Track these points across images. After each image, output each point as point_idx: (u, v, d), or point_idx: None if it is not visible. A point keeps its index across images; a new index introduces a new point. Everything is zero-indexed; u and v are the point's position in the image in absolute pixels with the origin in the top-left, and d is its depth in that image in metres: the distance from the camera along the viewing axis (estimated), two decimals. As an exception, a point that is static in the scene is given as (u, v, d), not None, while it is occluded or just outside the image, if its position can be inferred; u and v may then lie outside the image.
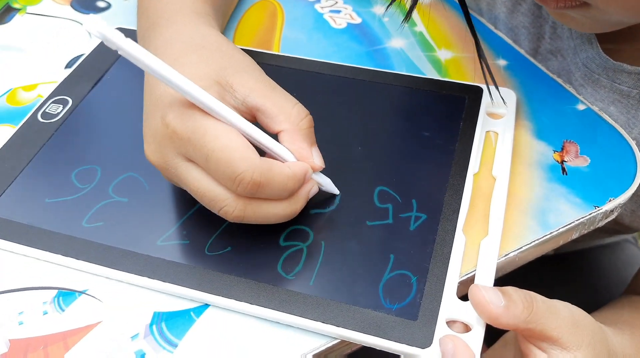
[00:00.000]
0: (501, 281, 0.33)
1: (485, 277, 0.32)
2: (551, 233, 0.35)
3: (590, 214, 0.35)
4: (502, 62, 0.44)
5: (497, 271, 0.33)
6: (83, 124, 0.41)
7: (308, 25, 0.48)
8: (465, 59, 0.45)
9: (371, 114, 0.40)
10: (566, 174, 0.37)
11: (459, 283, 0.32)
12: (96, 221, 0.35)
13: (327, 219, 0.35)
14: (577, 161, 0.38)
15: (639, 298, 0.49)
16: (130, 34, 0.31)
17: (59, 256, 0.34)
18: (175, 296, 0.33)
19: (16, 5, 0.51)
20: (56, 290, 0.33)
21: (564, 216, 0.35)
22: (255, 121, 0.34)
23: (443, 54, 0.45)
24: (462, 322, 0.31)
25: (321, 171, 0.35)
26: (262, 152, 0.32)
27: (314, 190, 0.34)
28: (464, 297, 0.31)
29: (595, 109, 0.41)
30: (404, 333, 0.30)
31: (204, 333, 0.32)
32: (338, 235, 0.34)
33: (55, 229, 0.35)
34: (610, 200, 0.36)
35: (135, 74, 0.36)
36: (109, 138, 0.40)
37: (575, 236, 0.36)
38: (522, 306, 0.29)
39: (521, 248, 0.34)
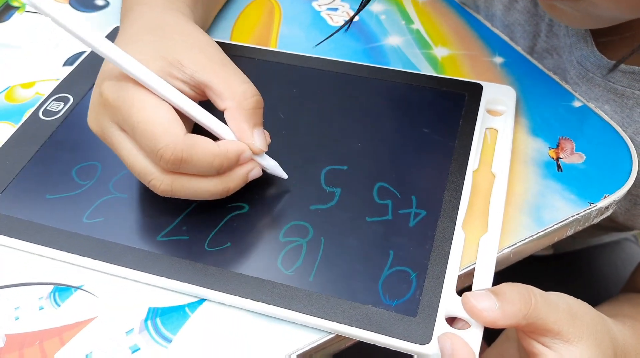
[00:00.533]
0: (499, 280, 0.33)
1: (485, 274, 0.32)
2: (546, 229, 0.35)
3: (585, 210, 0.35)
4: (499, 60, 0.44)
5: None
6: (84, 122, 0.40)
7: (305, 23, 0.48)
8: (462, 57, 0.45)
9: (371, 110, 0.40)
10: (561, 171, 0.37)
11: (458, 278, 0.32)
12: (96, 217, 0.35)
13: (326, 215, 0.35)
14: (572, 157, 0.38)
15: (637, 295, 0.49)
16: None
17: (60, 252, 0.34)
18: (171, 292, 0.33)
19: (15, 4, 0.51)
20: (52, 286, 0.34)
21: (559, 212, 0.35)
22: (206, 99, 0.34)
23: (439, 52, 0.45)
24: (462, 318, 0.31)
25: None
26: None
27: (255, 172, 0.34)
28: (463, 293, 0.31)
29: (591, 106, 0.41)
30: (403, 330, 0.30)
31: (198, 328, 0.32)
32: (338, 231, 0.34)
33: (56, 225, 0.35)
34: (605, 197, 0.36)
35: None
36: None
37: (570, 232, 0.36)
38: (519, 304, 0.29)
39: (515, 244, 0.34)
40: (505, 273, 0.35)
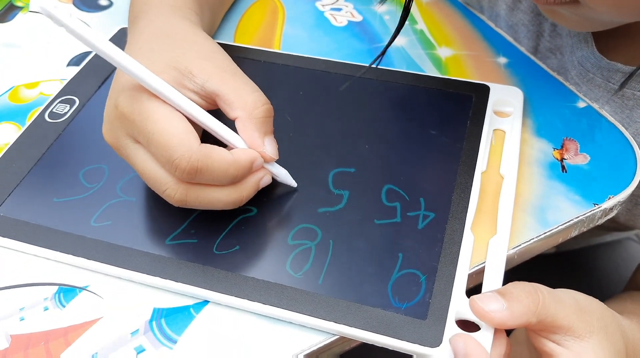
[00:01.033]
0: (502, 279, 0.33)
1: (494, 276, 0.32)
2: (550, 230, 0.35)
3: (589, 212, 0.35)
4: (503, 60, 0.44)
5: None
6: (90, 124, 0.41)
7: (309, 23, 0.48)
8: (466, 57, 0.45)
9: (378, 112, 0.40)
10: (566, 171, 0.37)
11: (468, 280, 0.32)
12: (104, 220, 0.35)
13: (335, 218, 0.35)
14: (576, 158, 0.38)
15: (639, 293, 0.49)
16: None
17: (68, 255, 0.34)
18: (176, 293, 0.33)
19: (19, 4, 0.51)
20: (57, 286, 0.34)
21: (563, 213, 0.35)
22: (217, 108, 0.34)
23: (443, 52, 0.45)
24: (472, 321, 0.31)
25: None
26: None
27: (266, 180, 0.34)
28: (472, 295, 0.31)
29: (596, 106, 0.41)
30: (413, 333, 0.30)
31: (203, 329, 0.32)
32: (346, 234, 0.34)
33: (64, 228, 0.35)
34: (609, 198, 0.36)
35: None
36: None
37: (574, 233, 0.36)
38: (526, 302, 0.29)
39: (520, 245, 0.34)
40: (508, 273, 0.35)
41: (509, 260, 0.34)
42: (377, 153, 0.38)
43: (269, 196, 0.36)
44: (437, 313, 0.31)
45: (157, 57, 0.34)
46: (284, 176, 0.36)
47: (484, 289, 0.32)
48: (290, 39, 0.47)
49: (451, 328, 0.30)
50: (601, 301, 0.33)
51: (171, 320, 0.32)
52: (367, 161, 0.38)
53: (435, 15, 0.48)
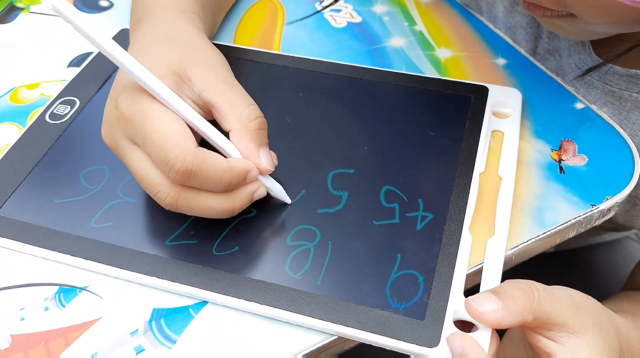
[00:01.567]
0: (501, 280, 0.33)
1: (492, 277, 0.33)
2: (548, 231, 0.35)
3: (587, 212, 0.36)
4: (502, 61, 0.44)
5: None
6: (91, 125, 0.41)
7: (308, 24, 0.48)
8: (465, 58, 0.45)
9: (377, 114, 0.41)
10: (563, 172, 0.38)
11: (466, 280, 0.32)
12: (105, 221, 0.35)
13: (334, 219, 0.35)
14: (574, 159, 0.38)
15: (636, 293, 0.49)
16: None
17: (69, 256, 0.34)
18: (176, 294, 0.33)
19: (20, 5, 0.51)
20: (57, 287, 0.34)
21: (561, 214, 0.36)
22: (212, 118, 0.34)
23: (442, 53, 0.45)
24: (470, 321, 0.31)
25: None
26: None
27: (260, 192, 0.34)
28: (471, 294, 0.32)
29: (594, 108, 0.41)
30: (411, 333, 0.30)
31: (202, 329, 0.32)
32: (345, 235, 0.34)
33: (65, 229, 0.35)
34: (607, 199, 0.36)
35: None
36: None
37: (572, 234, 0.36)
38: (521, 300, 0.29)
39: (518, 246, 0.34)
40: (506, 272, 0.35)
41: (506, 261, 0.34)
42: (376, 154, 0.38)
43: (268, 197, 0.36)
44: (435, 314, 0.31)
45: (160, 61, 0.34)
46: (278, 191, 0.35)
47: (482, 290, 0.32)
48: (290, 40, 0.47)
49: (449, 328, 0.30)
50: (600, 300, 0.33)
51: (170, 320, 0.32)
52: (366, 162, 0.38)
53: (435, 17, 0.49)
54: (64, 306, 0.33)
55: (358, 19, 0.49)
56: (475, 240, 0.34)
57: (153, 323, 0.32)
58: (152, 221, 0.35)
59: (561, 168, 0.38)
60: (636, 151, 0.38)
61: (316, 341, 0.32)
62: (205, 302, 0.33)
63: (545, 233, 0.35)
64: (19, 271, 0.34)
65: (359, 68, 0.43)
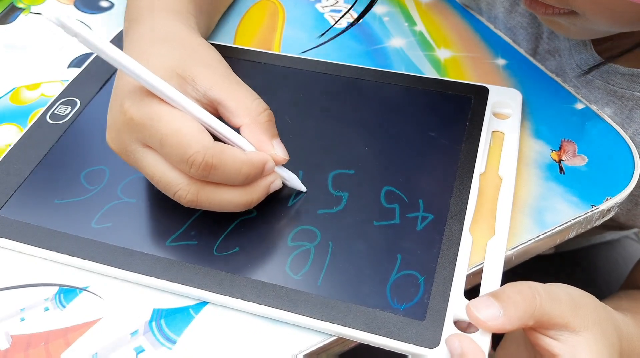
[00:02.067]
0: (501, 278, 0.33)
1: (493, 278, 0.32)
2: (548, 231, 0.35)
3: (587, 213, 0.36)
4: (501, 62, 0.44)
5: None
6: (91, 125, 0.41)
7: (309, 25, 0.48)
8: (465, 59, 0.45)
9: (377, 114, 0.41)
10: (563, 173, 0.38)
11: (466, 281, 0.32)
12: (105, 222, 0.35)
13: (334, 220, 0.35)
14: (574, 160, 0.38)
15: (635, 291, 0.49)
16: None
17: (69, 257, 0.34)
18: (176, 294, 0.33)
19: (20, 5, 0.51)
20: (57, 287, 0.34)
21: (561, 215, 0.36)
22: (218, 115, 0.34)
23: (442, 54, 0.45)
24: (470, 322, 0.31)
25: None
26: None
27: (277, 184, 0.35)
28: (471, 296, 0.32)
29: (594, 108, 0.41)
30: (411, 333, 0.30)
31: (203, 329, 0.32)
32: (345, 235, 0.34)
33: (65, 230, 0.35)
34: (607, 199, 0.36)
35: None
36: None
37: (572, 235, 0.36)
38: (523, 305, 0.29)
39: (518, 246, 0.34)
40: (506, 272, 0.35)
41: (506, 261, 0.34)
42: (376, 154, 0.38)
43: (269, 198, 0.36)
44: (435, 314, 0.31)
45: (160, 63, 0.34)
46: (294, 180, 0.36)
47: (482, 291, 0.32)
48: (290, 41, 0.47)
49: (449, 329, 0.30)
50: (599, 299, 0.33)
51: (171, 321, 0.32)
52: (366, 162, 0.38)
53: (434, 17, 0.49)
54: (64, 307, 0.33)
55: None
56: (476, 241, 0.34)
57: (153, 323, 0.32)
58: (152, 221, 0.35)
59: (561, 169, 0.38)
60: (636, 152, 0.38)
61: (316, 341, 0.32)
62: (205, 302, 0.33)
63: (545, 233, 0.35)
64: (19, 272, 0.34)
65: (360, 69, 0.43)
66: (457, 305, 0.31)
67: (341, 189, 0.36)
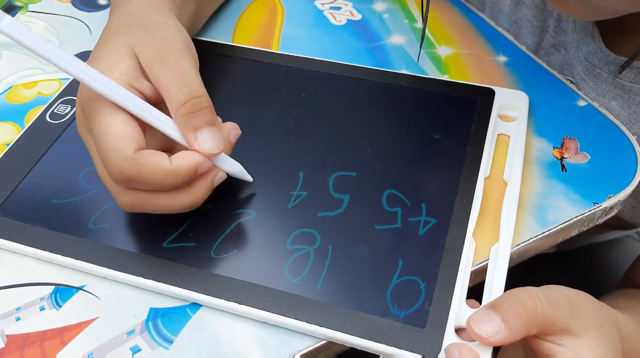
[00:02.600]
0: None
1: (496, 285, 0.32)
2: (549, 229, 0.35)
3: (589, 211, 0.35)
4: (502, 59, 0.44)
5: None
6: None
7: (308, 22, 0.48)
8: (466, 56, 0.45)
9: (381, 115, 0.40)
10: (566, 171, 0.37)
11: (468, 286, 0.32)
12: (102, 222, 0.35)
13: (334, 223, 0.35)
14: (576, 157, 0.38)
15: (632, 290, 0.48)
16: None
17: (65, 258, 0.34)
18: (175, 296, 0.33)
19: (18, 3, 0.51)
20: (53, 286, 0.34)
21: (563, 213, 0.35)
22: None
23: (443, 51, 0.45)
24: None
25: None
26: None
27: (220, 177, 0.33)
28: (474, 296, 0.31)
29: (596, 105, 0.40)
30: (411, 341, 0.30)
31: (199, 329, 0.32)
32: (346, 239, 0.34)
33: (62, 230, 0.35)
34: (610, 197, 0.36)
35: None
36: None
37: (574, 233, 0.36)
38: (526, 317, 0.28)
39: (519, 244, 0.34)
40: (508, 271, 0.34)
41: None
42: (378, 156, 0.38)
43: (269, 199, 0.35)
44: (437, 322, 0.30)
45: (114, 47, 0.33)
46: (238, 171, 0.34)
47: (484, 299, 0.32)
48: (290, 39, 0.47)
49: (450, 337, 0.30)
50: (599, 299, 0.32)
51: (167, 320, 0.32)
52: (368, 165, 0.37)
53: (435, 14, 0.48)
54: (60, 306, 0.33)
55: (358, 16, 0.49)
56: (479, 246, 0.33)
57: (150, 323, 0.32)
58: (150, 222, 0.35)
59: (563, 166, 0.37)
60: (639, 148, 0.38)
61: (314, 341, 0.31)
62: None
63: (547, 231, 0.35)
64: (15, 271, 0.34)
65: (363, 69, 0.43)
66: (458, 312, 0.31)
67: (342, 191, 0.36)
